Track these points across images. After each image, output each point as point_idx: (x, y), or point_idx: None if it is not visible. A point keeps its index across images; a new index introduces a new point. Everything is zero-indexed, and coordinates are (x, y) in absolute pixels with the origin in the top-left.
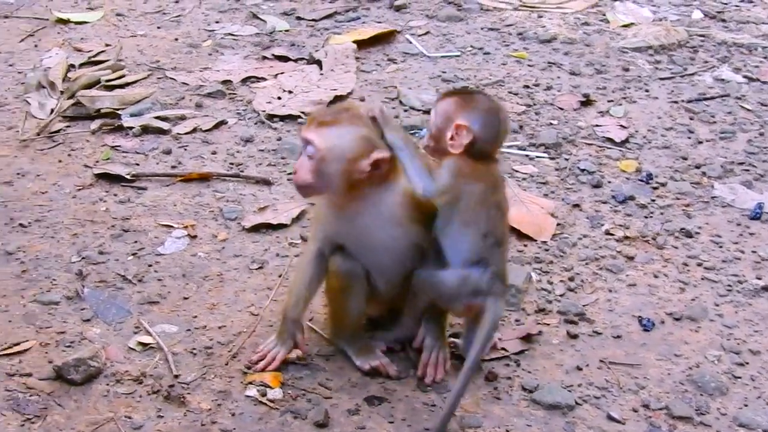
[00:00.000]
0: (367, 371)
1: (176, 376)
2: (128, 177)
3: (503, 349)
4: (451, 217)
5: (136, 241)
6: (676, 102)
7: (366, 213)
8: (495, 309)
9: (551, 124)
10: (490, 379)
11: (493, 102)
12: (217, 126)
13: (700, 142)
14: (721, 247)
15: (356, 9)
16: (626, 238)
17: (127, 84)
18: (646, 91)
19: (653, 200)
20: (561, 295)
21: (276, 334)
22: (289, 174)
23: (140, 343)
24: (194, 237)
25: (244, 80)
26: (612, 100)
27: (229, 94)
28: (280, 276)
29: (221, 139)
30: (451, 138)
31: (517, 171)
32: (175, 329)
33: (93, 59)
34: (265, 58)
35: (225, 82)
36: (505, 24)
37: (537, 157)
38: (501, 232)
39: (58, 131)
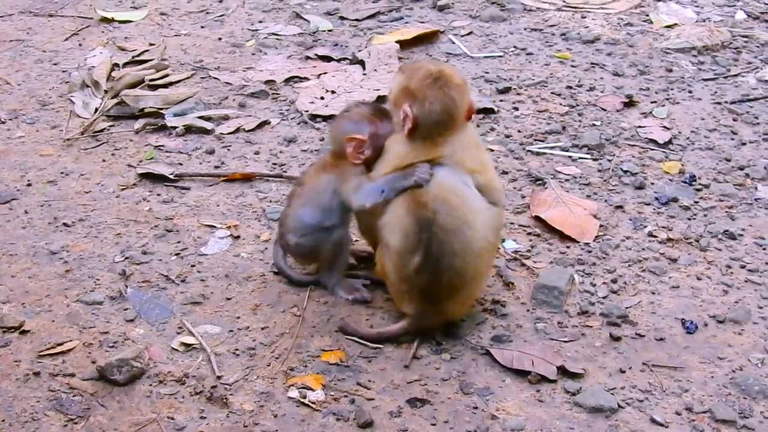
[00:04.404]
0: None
1: (219, 377)
2: (171, 177)
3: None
4: None
5: (179, 241)
6: (719, 103)
7: None
8: None
9: (594, 125)
10: (532, 382)
11: None
12: (260, 126)
13: (744, 144)
14: (764, 249)
15: (399, 9)
16: (669, 240)
17: (171, 83)
18: (690, 92)
19: (696, 202)
20: (604, 297)
21: None
22: None
23: (183, 344)
24: (237, 237)
25: (287, 80)
26: (655, 101)
27: (273, 94)
28: None
29: (264, 139)
30: None
31: (559, 172)
32: (218, 330)
33: (137, 58)
34: (308, 58)
35: (268, 82)
36: (548, 24)
37: (580, 158)
38: None
39: (101, 131)
